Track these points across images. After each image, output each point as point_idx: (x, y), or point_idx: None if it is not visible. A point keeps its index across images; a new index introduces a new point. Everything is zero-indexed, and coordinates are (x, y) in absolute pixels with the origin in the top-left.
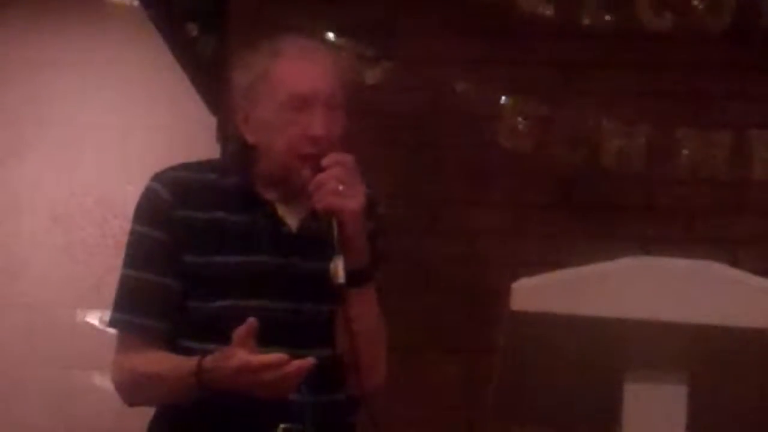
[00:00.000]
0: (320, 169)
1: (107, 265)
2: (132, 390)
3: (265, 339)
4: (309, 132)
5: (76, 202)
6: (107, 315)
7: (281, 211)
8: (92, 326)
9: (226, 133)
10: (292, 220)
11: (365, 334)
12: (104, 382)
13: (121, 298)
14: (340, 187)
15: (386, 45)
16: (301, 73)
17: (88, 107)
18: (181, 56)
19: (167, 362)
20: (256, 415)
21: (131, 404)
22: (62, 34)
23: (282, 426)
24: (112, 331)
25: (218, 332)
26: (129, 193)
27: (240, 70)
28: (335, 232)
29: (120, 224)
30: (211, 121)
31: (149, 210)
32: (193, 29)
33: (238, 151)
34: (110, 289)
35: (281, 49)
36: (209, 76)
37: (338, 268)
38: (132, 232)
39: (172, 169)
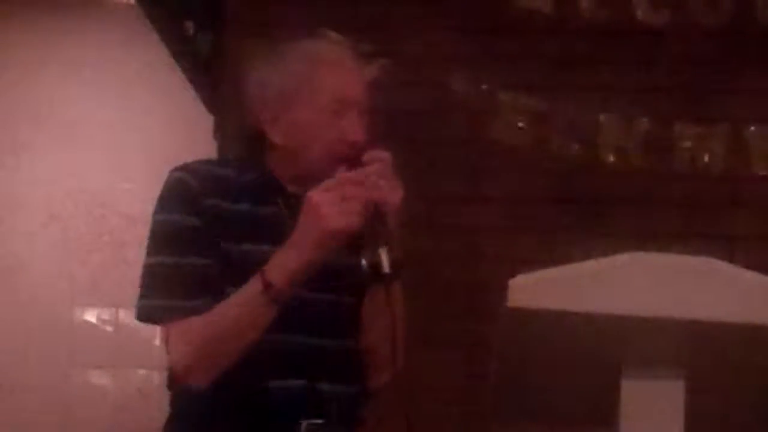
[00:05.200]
0: (360, 166)
1: (104, 262)
2: (203, 352)
3: (289, 328)
4: (349, 137)
5: (74, 200)
6: (104, 313)
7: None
8: (89, 324)
9: (223, 130)
10: None
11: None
12: (101, 379)
13: (162, 286)
14: (381, 182)
15: (383, 41)
16: (343, 78)
17: (86, 106)
18: (178, 54)
19: (225, 301)
20: (279, 411)
21: (205, 375)
22: (59, 33)
23: (305, 422)
24: (108, 328)
25: None
26: (126, 191)
27: (272, 72)
28: (378, 225)
29: (117, 222)
30: (209, 118)
31: (178, 197)
32: (190, 27)
33: (256, 149)
34: (107, 287)
35: (321, 54)
36: (206, 74)
37: (383, 259)
38: (160, 222)
39: (194, 162)
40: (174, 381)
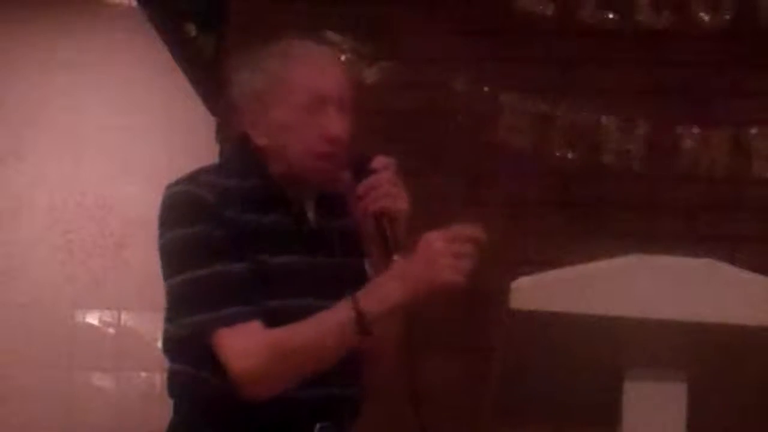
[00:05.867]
0: (363, 173)
1: (106, 265)
2: (275, 366)
3: None
4: (326, 132)
5: (76, 202)
6: (106, 315)
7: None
8: (91, 326)
9: (225, 134)
10: (311, 217)
11: (393, 326)
12: (103, 382)
13: (206, 299)
14: (393, 190)
15: (384, 44)
16: (318, 75)
17: (88, 108)
18: (180, 57)
19: (309, 320)
20: (291, 415)
21: (269, 389)
22: (61, 35)
23: (319, 425)
24: (110, 331)
25: None
26: (129, 193)
27: (248, 73)
28: (388, 232)
29: (119, 224)
30: (210, 121)
31: (196, 211)
32: (191, 30)
33: (251, 154)
34: (109, 290)
35: (294, 52)
36: (208, 76)
37: None
38: (181, 237)
39: (196, 173)
40: (236, 389)
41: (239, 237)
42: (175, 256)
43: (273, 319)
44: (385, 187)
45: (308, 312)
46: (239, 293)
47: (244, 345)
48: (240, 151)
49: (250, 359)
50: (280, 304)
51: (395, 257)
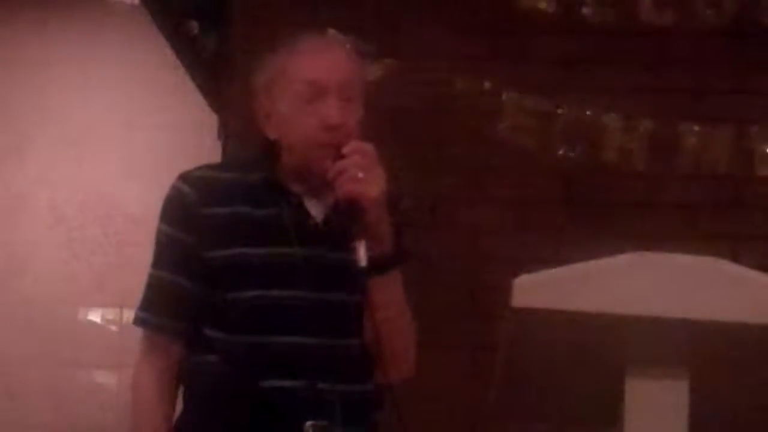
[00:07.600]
0: (341, 158)
1: (109, 263)
2: (132, 400)
3: (293, 329)
4: (325, 121)
5: (78, 200)
6: (109, 313)
7: (307, 204)
8: (94, 324)
9: (227, 130)
10: (317, 213)
11: (391, 322)
12: (106, 379)
13: (146, 296)
14: (360, 174)
15: (387, 41)
16: (315, 63)
17: (91, 105)
18: (183, 54)
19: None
20: (284, 411)
21: None
22: (64, 33)
23: (309, 423)
24: (113, 328)
25: (246, 323)
26: (131, 191)
27: (260, 70)
28: (356, 217)
29: (122, 222)
30: (213, 118)
31: (174, 209)
32: (194, 27)
33: (262, 149)
34: (112, 288)
35: (298, 45)
36: (211, 73)
37: (360, 252)
38: (158, 231)
39: (197, 168)
40: None
41: (215, 234)
42: (154, 249)
43: (258, 307)
44: (351, 172)
45: (299, 302)
46: (167, 305)
47: (143, 358)
48: (256, 147)
49: (137, 375)
50: (264, 293)
51: (357, 243)
